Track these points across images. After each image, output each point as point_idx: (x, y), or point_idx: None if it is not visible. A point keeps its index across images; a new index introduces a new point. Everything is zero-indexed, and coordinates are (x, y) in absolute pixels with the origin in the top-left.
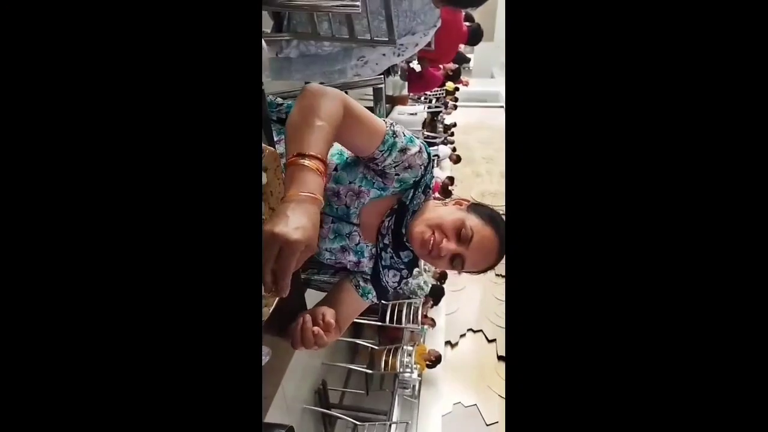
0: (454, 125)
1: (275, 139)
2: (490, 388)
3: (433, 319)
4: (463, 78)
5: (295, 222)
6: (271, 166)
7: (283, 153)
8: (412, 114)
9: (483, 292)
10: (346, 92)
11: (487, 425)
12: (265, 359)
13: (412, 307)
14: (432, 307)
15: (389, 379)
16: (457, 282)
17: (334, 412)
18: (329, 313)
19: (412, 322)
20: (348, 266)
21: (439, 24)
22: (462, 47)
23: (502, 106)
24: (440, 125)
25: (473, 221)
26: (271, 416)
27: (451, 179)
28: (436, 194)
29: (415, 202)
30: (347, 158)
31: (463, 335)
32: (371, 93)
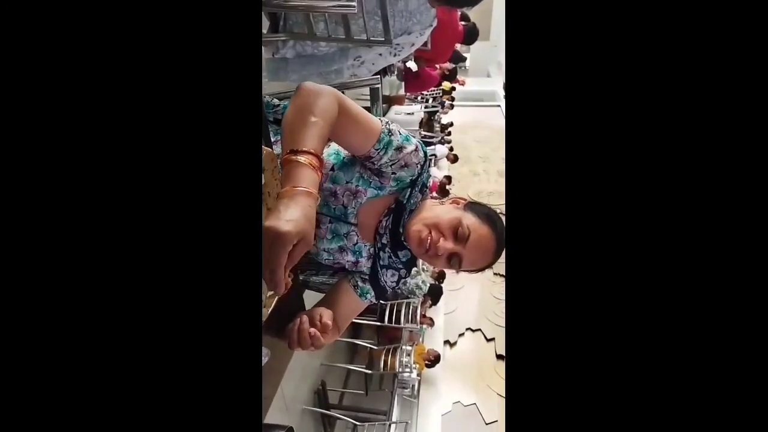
0: (451, 124)
1: (272, 139)
2: (489, 387)
3: (431, 319)
4: (459, 77)
5: (286, 215)
6: (268, 166)
7: (280, 153)
8: (409, 114)
9: (481, 291)
10: (342, 92)
11: (487, 424)
12: (264, 360)
13: (411, 307)
14: (431, 306)
15: (388, 379)
16: (455, 281)
17: (333, 413)
18: (326, 314)
19: (411, 322)
20: (346, 266)
21: (435, 24)
22: (458, 46)
23: (498, 106)
24: (437, 125)
25: (470, 220)
26: (271, 417)
27: (448, 178)
28: (434, 193)
29: (412, 201)
30: (344, 158)
31: (461, 334)
32: (368, 93)
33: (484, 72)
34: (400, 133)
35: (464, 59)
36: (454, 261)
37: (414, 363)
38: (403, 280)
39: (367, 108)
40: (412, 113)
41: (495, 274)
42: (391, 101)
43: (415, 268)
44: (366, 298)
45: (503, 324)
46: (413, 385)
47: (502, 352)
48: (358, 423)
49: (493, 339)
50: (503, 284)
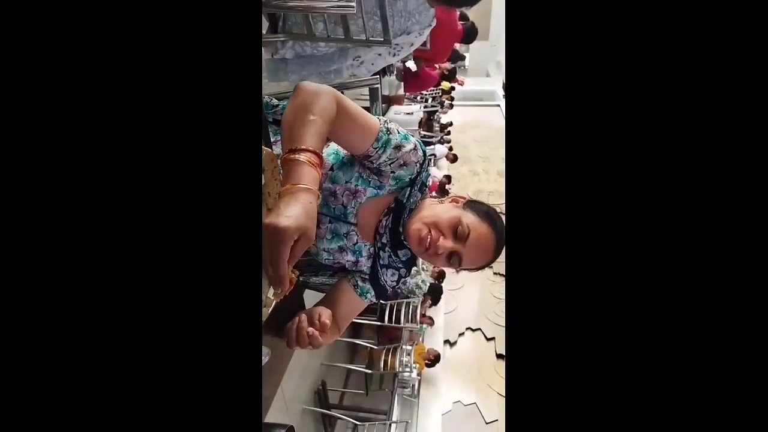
0: (451, 124)
1: (272, 140)
2: (489, 386)
3: (431, 318)
4: (458, 77)
5: (286, 212)
6: (268, 167)
7: (280, 153)
8: (408, 113)
9: (481, 291)
10: (342, 92)
11: (487, 423)
12: (264, 359)
13: (411, 307)
14: (431, 306)
15: (389, 379)
16: (455, 281)
17: (333, 413)
18: (325, 314)
19: (411, 322)
20: (346, 266)
21: (434, 23)
22: (457, 45)
23: (498, 105)
24: (436, 124)
25: (470, 218)
26: (271, 417)
27: (448, 178)
28: (433, 193)
29: (411, 201)
30: (343, 157)
31: (461, 334)
32: (367, 93)
33: (484, 72)
34: (399, 132)
35: (463, 58)
36: (454, 259)
37: (414, 362)
38: (403, 280)
39: (366, 108)
40: (412, 113)
41: (495, 273)
42: (390, 101)
43: (414, 268)
44: (366, 298)
45: (503, 323)
46: (413, 385)
47: (502, 351)
48: (358, 423)
49: (493, 338)
50: (503, 283)
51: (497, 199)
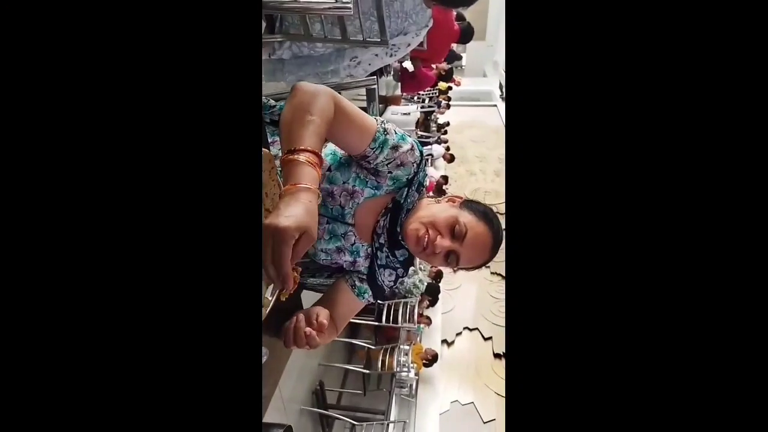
0: (448, 124)
1: (269, 140)
2: (486, 385)
3: (429, 318)
4: (455, 77)
5: (286, 212)
6: (265, 167)
7: (277, 154)
8: (405, 114)
9: (478, 290)
10: (339, 93)
11: (484, 422)
12: (262, 359)
13: (409, 307)
14: (428, 307)
15: (386, 379)
16: (452, 280)
17: (331, 413)
18: (323, 314)
19: (409, 322)
20: (344, 266)
21: (431, 24)
22: (454, 46)
23: (495, 105)
24: (433, 124)
25: (467, 218)
26: (269, 417)
27: (445, 178)
28: (430, 193)
29: (409, 201)
30: (340, 158)
31: (459, 333)
32: (364, 93)
33: (481, 72)
34: (396, 132)
35: (460, 58)
36: (452, 259)
37: (412, 362)
38: (400, 280)
39: (363, 108)
40: (409, 113)
41: (492, 273)
42: (387, 101)
43: (412, 268)
44: (363, 298)
45: (500, 323)
46: (411, 385)
47: (500, 350)
48: (356, 423)
49: (490, 338)
50: (500, 283)
51: (494, 199)
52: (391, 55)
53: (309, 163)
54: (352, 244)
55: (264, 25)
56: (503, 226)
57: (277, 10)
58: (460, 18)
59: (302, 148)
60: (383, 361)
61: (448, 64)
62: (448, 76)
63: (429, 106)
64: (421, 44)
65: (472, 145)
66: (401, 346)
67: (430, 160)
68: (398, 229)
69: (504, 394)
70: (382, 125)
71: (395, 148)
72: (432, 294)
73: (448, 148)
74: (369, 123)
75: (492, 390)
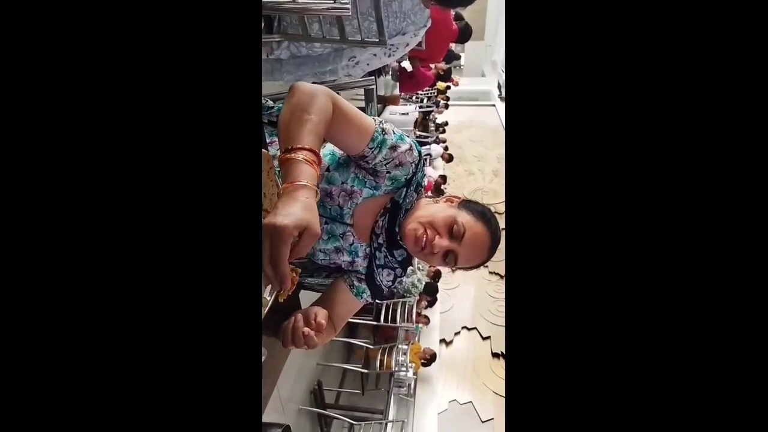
0: (446, 124)
1: (268, 141)
2: (485, 385)
3: (427, 317)
4: (454, 77)
5: (283, 210)
6: (264, 168)
7: (276, 154)
8: (403, 114)
9: (477, 290)
10: (337, 93)
11: (483, 422)
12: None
13: (407, 306)
14: (427, 306)
15: (385, 379)
16: (451, 280)
17: (330, 412)
18: (321, 314)
19: (407, 321)
20: (342, 266)
21: (429, 24)
22: (452, 45)
23: (493, 105)
24: (432, 124)
25: (465, 217)
26: (267, 417)
27: (443, 178)
28: (429, 193)
29: (407, 201)
30: (339, 158)
31: (457, 333)
32: (363, 93)
33: (479, 71)
34: (394, 132)
35: (459, 58)
36: (450, 258)
37: (410, 362)
38: (399, 279)
39: (362, 108)
40: (407, 113)
41: (491, 272)
42: (386, 101)
43: (410, 267)
44: (362, 298)
45: (499, 322)
46: (409, 384)
47: (498, 350)
48: (354, 422)
49: (488, 337)
50: (499, 283)
51: (492, 199)
52: (389, 55)
53: (307, 161)
54: (351, 244)
55: (262, 24)
56: (503, 225)
57: (276, 10)
58: (459, 18)
59: (300, 146)
60: (381, 361)
61: (446, 63)
62: (446, 76)
63: (427, 106)
64: (419, 44)
65: (471, 145)
66: (399, 346)
67: (428, 160)
68: (397, 229)
69: (503, 394)
70: (381, 125)
71: (393, 148)
72: (430, 293)
73: (446, 148)
74: (367, 123)
75: (490, 389)
